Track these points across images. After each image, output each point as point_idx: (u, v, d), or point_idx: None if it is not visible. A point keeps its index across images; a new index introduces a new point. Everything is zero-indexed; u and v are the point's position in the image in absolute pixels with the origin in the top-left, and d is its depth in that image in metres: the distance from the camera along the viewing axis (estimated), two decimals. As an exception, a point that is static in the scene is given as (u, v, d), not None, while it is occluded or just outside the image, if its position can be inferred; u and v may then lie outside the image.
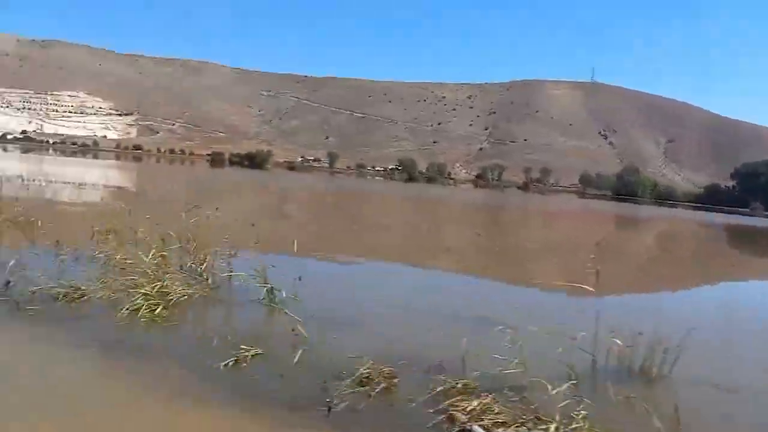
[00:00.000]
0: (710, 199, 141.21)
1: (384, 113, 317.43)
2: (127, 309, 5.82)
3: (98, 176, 38.21)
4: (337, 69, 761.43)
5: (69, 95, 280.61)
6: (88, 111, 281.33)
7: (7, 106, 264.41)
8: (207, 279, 7.44)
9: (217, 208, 11.13)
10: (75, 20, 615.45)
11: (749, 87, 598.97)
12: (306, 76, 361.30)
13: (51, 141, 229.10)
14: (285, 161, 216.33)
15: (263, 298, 6.92)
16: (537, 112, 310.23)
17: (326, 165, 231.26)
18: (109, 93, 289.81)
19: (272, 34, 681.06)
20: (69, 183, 27.87)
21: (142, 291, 6.18)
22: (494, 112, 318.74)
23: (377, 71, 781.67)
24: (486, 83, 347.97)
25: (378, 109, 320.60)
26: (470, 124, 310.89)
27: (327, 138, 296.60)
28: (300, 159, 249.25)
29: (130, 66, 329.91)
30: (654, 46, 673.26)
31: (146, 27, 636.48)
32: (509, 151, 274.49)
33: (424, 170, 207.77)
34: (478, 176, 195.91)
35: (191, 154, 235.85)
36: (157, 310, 5.93)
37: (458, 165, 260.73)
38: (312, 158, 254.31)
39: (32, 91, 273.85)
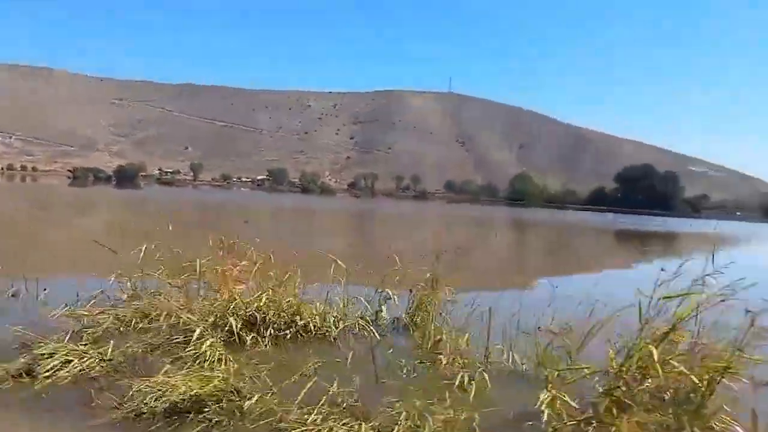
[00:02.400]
0: (597, 201, 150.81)
1: (248, 122, 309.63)
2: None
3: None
4: (195, 76, 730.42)
5: None
6: None
7: None
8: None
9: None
10: None
11: (591, 95, 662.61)
12: (163, 84, 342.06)
13: None
14: (144, 174, 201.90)
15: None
16: (399, 121, 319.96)
17: (188, 177, 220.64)
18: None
19: (124, 39, 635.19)
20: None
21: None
22: (359, 121, 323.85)
23: (237, 78, 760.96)
24: (350, 92, 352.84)
25: (242, 118, 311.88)
26: (336, 133, 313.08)
27: (187, 148, 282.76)
28: (157, 171, 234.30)
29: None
30: (506, 56, 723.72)
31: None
32: (375, 160, 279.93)
33: (296, 180, 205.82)
34: (351, 185, 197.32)
35: (34, 170, 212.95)
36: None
37: (327, 174, 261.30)
38: (170, 170, 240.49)
39: None
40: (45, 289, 7.83)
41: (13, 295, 7.77)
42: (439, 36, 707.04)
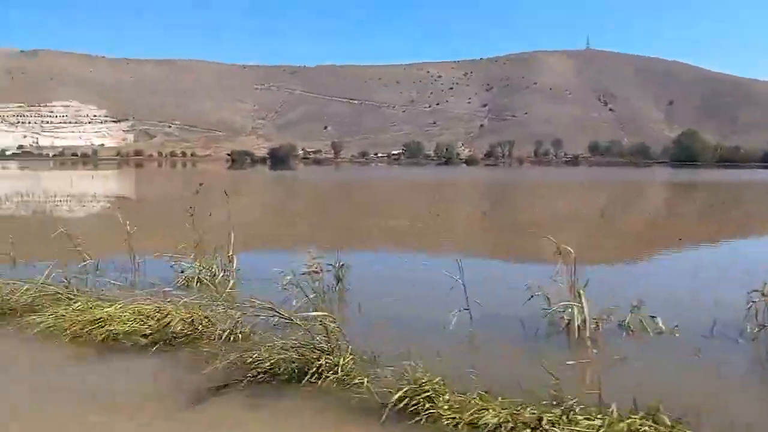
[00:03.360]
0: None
1: (380, 98, 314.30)
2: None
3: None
4: (325, 57, 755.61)
5: (62, 105, 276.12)
6: (83, 120, 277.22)
7: (1, 122, 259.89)
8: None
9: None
10: (61, 28, 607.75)
11: (736, 40, 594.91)
12: (298, 67, 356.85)
13: (50, 154, 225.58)
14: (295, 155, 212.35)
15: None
16: (535, 84, 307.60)
17: (329, 156, 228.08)
18: (102, 100, 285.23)
19: (257, 27, 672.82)
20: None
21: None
22: (491, 88, 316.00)
23: (368, 56, 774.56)
24: (481, 59, 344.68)
25: (373, 94, 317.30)
26: (468, 102, 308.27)
27: (326, 128, 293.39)
28: (301, 151, 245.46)
29: (121, 70, 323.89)
30: (645, 7, 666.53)
31: (134, 30, 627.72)
32: (510, 126, 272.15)
33: (431, 152, 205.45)
34: (487, 154, 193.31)
35: (193, 155, 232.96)
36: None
37: (461, 144, 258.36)
38: (312, 150, 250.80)
39: (25, 104, 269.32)
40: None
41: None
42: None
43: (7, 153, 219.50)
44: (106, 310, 5.76)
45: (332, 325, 4.67)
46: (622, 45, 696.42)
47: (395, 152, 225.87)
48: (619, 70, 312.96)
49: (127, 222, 9.00)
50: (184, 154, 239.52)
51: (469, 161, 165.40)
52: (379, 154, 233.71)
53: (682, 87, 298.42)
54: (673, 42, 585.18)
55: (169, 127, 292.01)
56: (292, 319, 4.86)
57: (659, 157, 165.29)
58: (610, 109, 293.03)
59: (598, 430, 3.41)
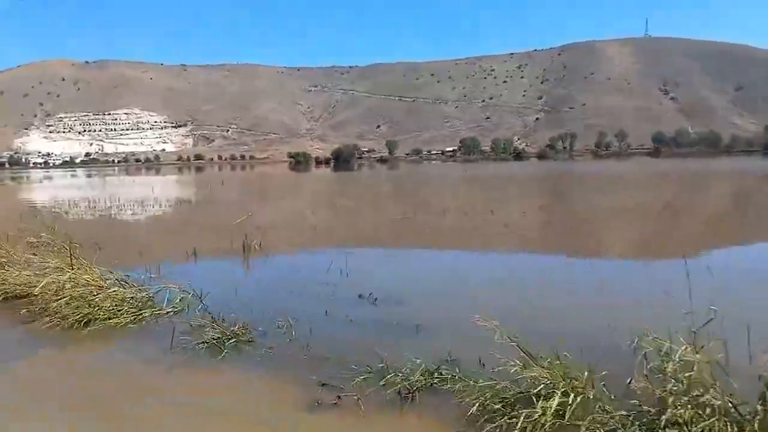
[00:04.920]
0: None
1: (433, 94, 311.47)
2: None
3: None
4: (379, 55, 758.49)
5: (125, 113, 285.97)
6: (144, 126, 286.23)
7: (69, 131, 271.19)
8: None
9: None
10: (123, 38, 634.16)
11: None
12: (350, 67, 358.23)
13: (116, 160, 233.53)
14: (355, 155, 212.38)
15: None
16: (592, 74, 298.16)
17: (384, 155, 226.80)
18: (161, 106, 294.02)
19: (309, 29, 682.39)
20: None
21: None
22: (547, 80, 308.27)
23: (420, 52, 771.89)
24: (535, 50, 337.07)
25: (426, 91, 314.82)
26: (523, 95, 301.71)
27: (378, 127, 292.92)
28: (355, 151, 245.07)
29: (179, 76, 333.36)
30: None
31: (190, 36, 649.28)
32: (567, 119, 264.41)
33: (487, 148, 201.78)
34: (548, 146, 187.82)
35: (252, 158, 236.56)
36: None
37: (517, 138, 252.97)
38: (366, 149, 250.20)
39: (90, 113, 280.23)
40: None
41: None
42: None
43: (77, 161, 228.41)
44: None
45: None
46: (683, 30, 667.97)
47: (450, 149, 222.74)
48: (680, 57, 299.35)
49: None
50: (243, 157, 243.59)
51: (540, 155, 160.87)
52: (433, 152, 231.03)
53: (750, 71, 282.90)
54: (738, 23, 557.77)
55: (227, 131, 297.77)
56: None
57: (731, 146, 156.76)
58: (672, 98, 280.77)
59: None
